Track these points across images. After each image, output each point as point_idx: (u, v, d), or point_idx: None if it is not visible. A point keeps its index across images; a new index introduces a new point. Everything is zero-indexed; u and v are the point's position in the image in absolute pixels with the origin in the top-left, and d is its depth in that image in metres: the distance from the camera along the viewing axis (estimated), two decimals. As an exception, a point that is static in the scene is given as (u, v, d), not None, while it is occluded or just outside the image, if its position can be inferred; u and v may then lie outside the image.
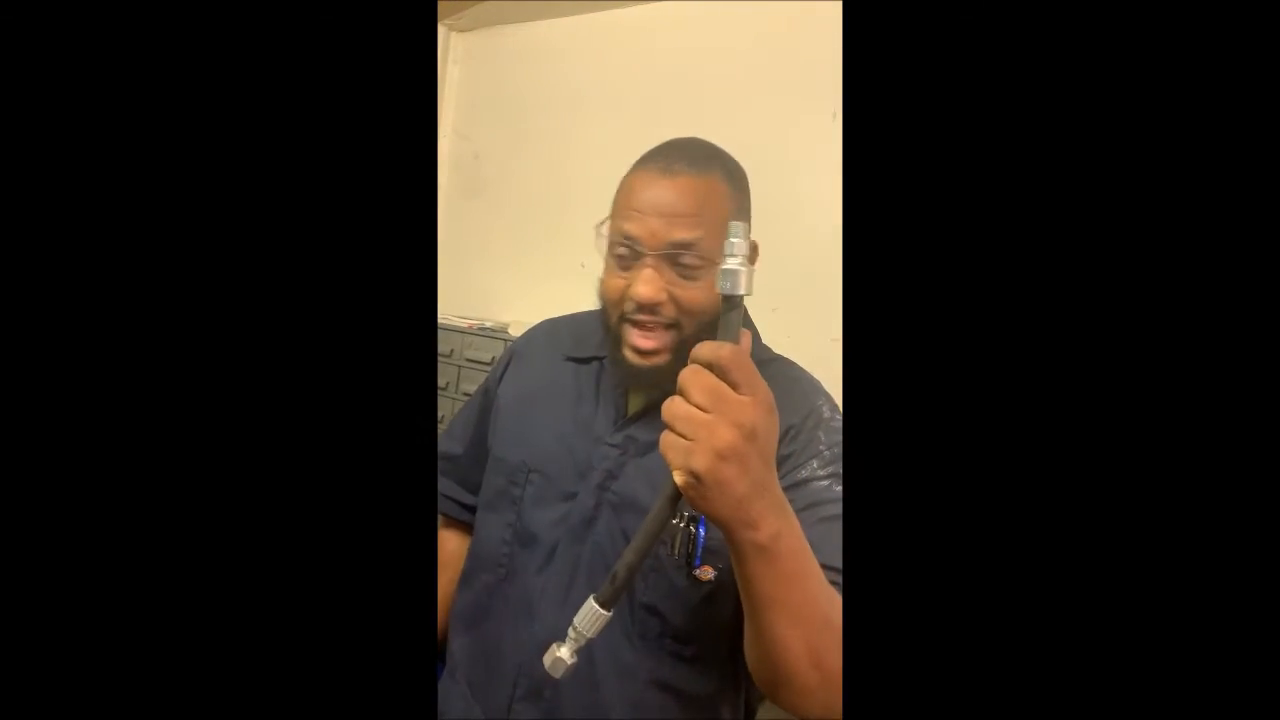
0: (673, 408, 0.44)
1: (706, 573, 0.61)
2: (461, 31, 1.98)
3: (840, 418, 0.66)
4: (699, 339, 0.60)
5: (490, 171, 1.88)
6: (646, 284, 0.62)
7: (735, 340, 0.44)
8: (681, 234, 0.62)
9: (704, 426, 0.43)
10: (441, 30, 1.95)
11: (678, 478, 0.44)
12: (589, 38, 1.74)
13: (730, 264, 0.45)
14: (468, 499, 0.82)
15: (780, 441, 0.60)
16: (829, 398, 0.69)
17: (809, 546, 0.49)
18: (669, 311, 0.63)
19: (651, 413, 0.67)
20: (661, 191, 0.63)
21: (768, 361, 0.71)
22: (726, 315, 0.45)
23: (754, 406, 0.43)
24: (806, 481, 0.61)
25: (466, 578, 0.75)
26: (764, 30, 1.44)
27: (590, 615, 0.47)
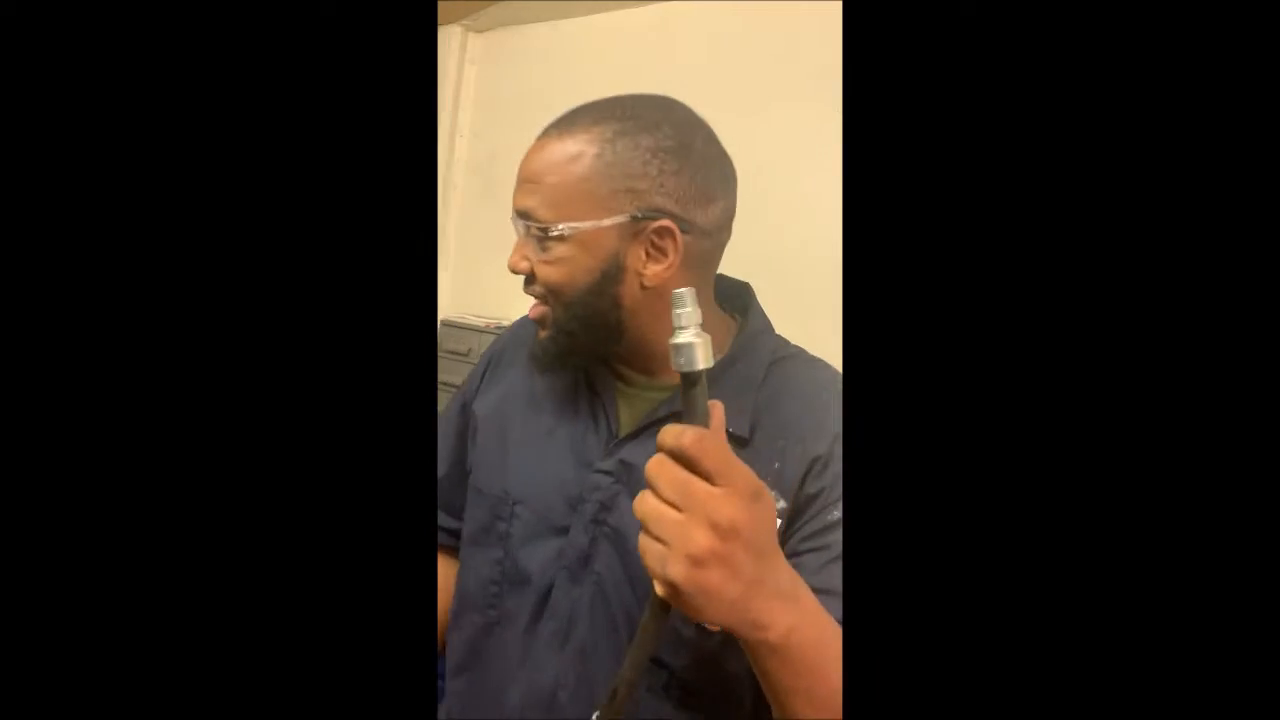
0: (643, 505, 0.40)
1: (715, 624, 0.57)
2: (479, 32, 1.99)
3: None
4: (569, 316, 0.57)
5: (506, 171, 1.88)
6: (512, 253, 0.59)
7: (703, 421, 0.39)
8: (520, 201, 0.57)
9: (676, 528, 0.38)
10: (458, 31, 1.97)
11: (657, 588, 0.39)
12: (605, 37, 1.75)
13: (682, 337, 0.39)
14: (452, 524, 0.73)
15: (805, 477, 0.54)
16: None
17: (833, 624, 0.44)
18: (539, 284, 0.58)
19: (647, 431, 0.59)
20: (527, 155, 0.58)
21: (784, 359, 0.63)
22: (689, 394, 0.40)
23: (730, 499, 0.38)
24: (839, 525, 0.53)
25: (456, 618, 0.68)
26: (783, 29, 1.44)
27: None
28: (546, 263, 0.57)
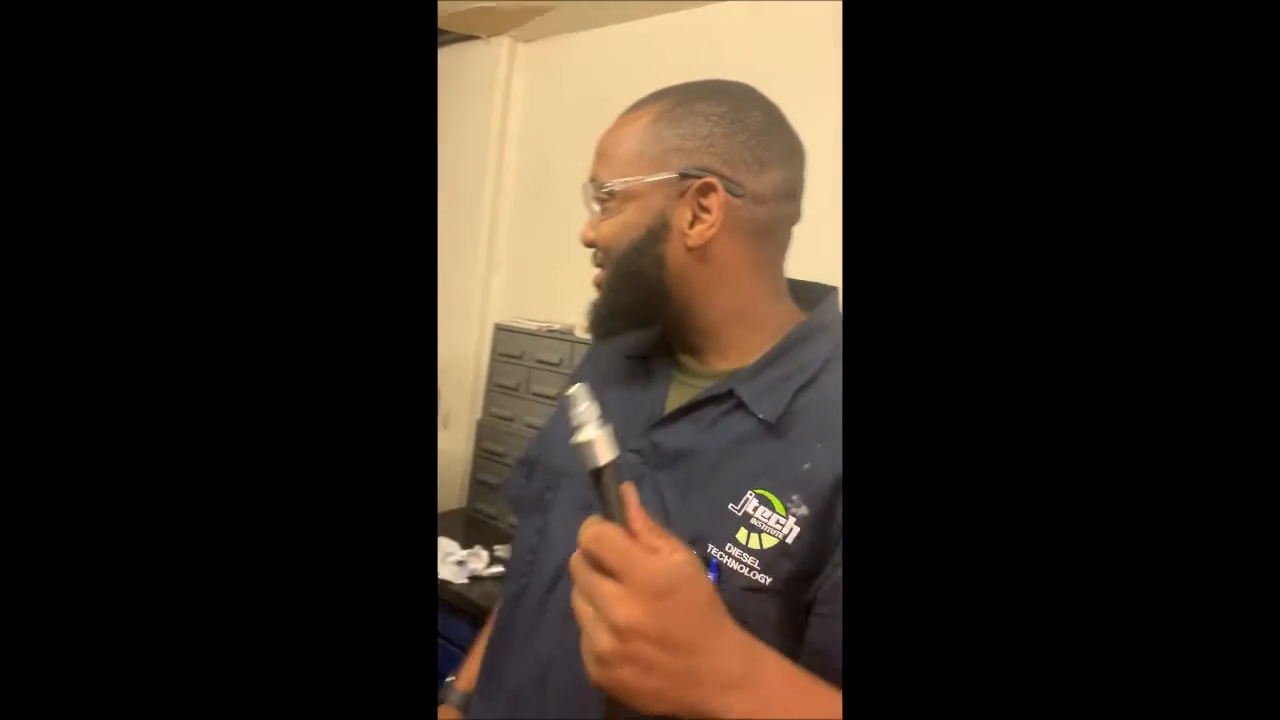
0: (573, 596, 0.40)
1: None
2: (526, 41, 2.03)
3: None
4: (616, 274, 0.58)
5: (556, 176, 1.92)
6: (584, 227, 0.61)
7: (614, 514, 0.39)
8: (591, 173, 0.60)
9: (587, 624, 0.39)
10: (507, 41, 2.01)
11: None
12: (652, 41, 1.77)
13: (581, 435, 0.39)
14: None
15: (836, 491, 0.49)
16: None
17: (815, 698, 0.42)
18: (598, 245, 0.60)
19: (685, 414, 0.58)
20: (603, 134, 0.61)
21: (821, 328, 0.60)
22: (597, 488, 0.40)
23: (628, 599, 0.37)
24: None
25: (505, 584, 0.70)
26: (831, 29, 1.43)
27: None
28: (603, 223, 0.59)
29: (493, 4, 1.81)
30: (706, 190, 0.55)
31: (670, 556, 0.39)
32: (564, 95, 1.96)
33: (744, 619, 0.46)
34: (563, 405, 0.41)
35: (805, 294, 0.64)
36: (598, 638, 0.38)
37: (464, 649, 0.78)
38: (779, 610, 0.50)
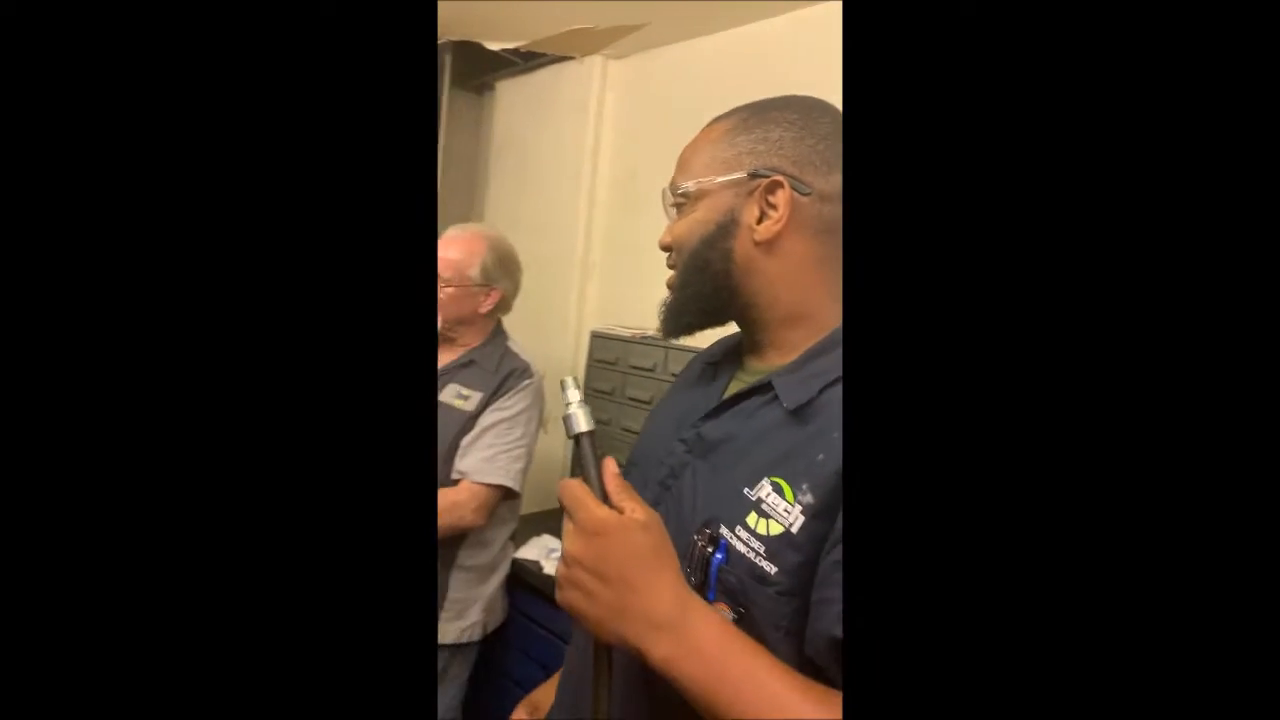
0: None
1: (723, 611, 0.53)
2: (618, 58, 2.11)
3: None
4: (685, 269, 0.62)
5: (647, 188, 1.98)
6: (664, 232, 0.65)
7: (588, 472, 0.50)
8: (673, 179, 0.64)
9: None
10: (599, 60, 2.10)
11: None
12: (739, 50, 1.80)
13: (567, 411, 0.53)
14: None
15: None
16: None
17: (743, 661, 0.45)
18: (671, 247, 0.64)
19: (729, 406, 0.61)
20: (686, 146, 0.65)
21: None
22: (577, 451, 0.52)
23: (571, 534, 0.48)
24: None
25: None
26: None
27: None
28: (677, 223, 0.63)
29: (587, 25, 1.90)
30: (774, 188, 0.58)
31: (631, 514, 0.48)
32: (654, 109, 2.02)
33: (748, 609, 0.51)
34: (562, 385, 0.55)
35: None
36: (558, 567, 0.49)
37: (565, 640, 0.84)
38: (790, 614, 0.50)
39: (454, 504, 1.23)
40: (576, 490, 0.49)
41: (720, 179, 0.60)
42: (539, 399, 1.37)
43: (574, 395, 0.54)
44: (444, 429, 1.28)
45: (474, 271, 1.33)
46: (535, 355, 1.41)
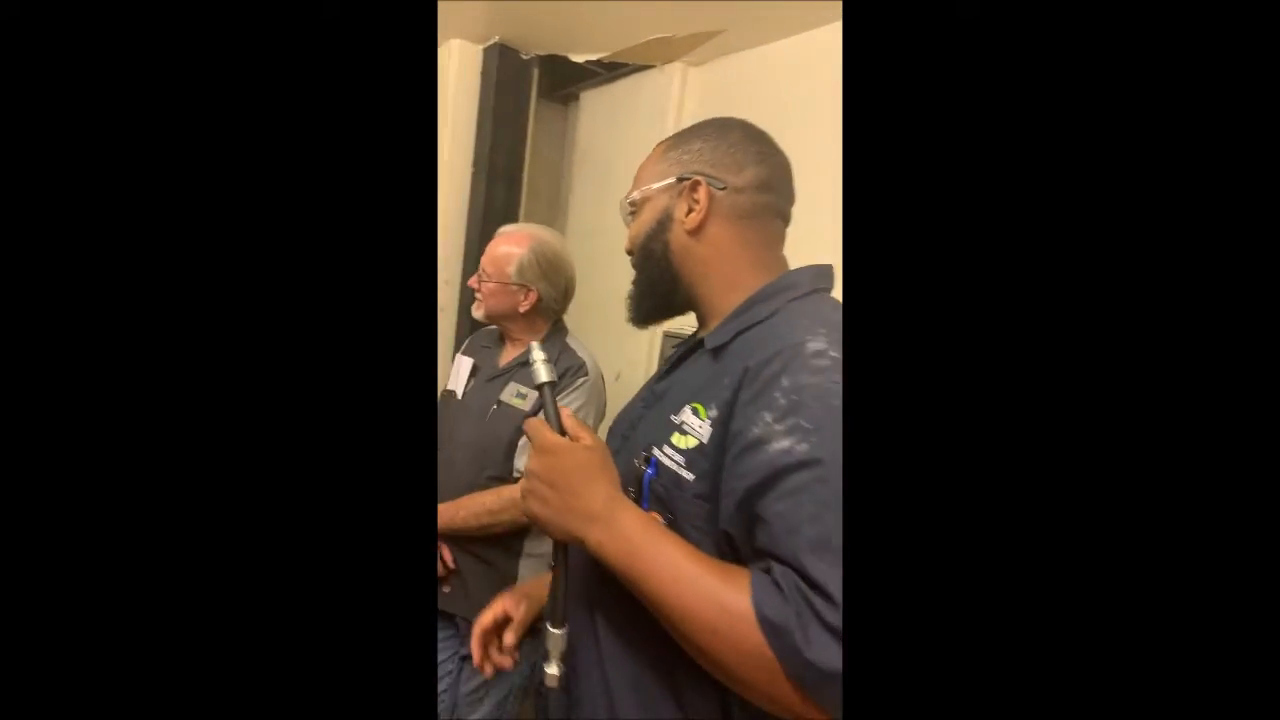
0: None
1: (656, 518, 0.64)
2: (696, 65, 2.15)
3: (837, 353, 0.57)
4: (637, 262, 0.78)
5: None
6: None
7: (550, 415, 0.64)
8: (629, 193, 0.79)
9: None
10: (679, 67, 2.14)
11: None
12: (812, 52, 1.80)
13: (532, 368, 0.66)
14: None
15: (738, 388, 0.61)
16: (836, 327, 0.61)
17: (654, 542, 0.57)
18: (632, 252, 0.79)
19: (674, 365, 0.77)
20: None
21: (793, 303, 0.69)
22: (541, 398, 0.65)
23: (532, 455, 0.62)
24: (759, 443, 0.56)
25: None
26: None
27: (551, 638, 0.63)
28: (631, 228, 0.78)
29: (667, 35, 1.95)
30: (695, 186, 0.73)
31: (580, 441, 0.62)
32: (731, 113, 2.04)
33: (674, 514, 0.64)
34: (530, 349, 0.68)
35: (802, 270, 0.74)
36: (521, 480, 0.62)
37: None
38: (704, 515, 0.62)
39: (516, 499, 1.30)
40: (537, 423, 0.64)
41: (656, 185, 0.76)
42: (594, 395, 1.42)
43: (538, 355, 0.66)
44: (504, 427, 1.34)
45: (511, 270, 1.39)
46: (612, 354, 1.45)
